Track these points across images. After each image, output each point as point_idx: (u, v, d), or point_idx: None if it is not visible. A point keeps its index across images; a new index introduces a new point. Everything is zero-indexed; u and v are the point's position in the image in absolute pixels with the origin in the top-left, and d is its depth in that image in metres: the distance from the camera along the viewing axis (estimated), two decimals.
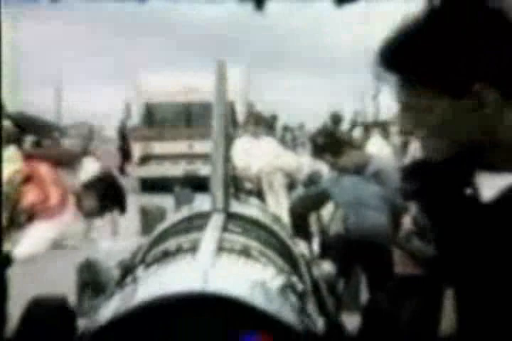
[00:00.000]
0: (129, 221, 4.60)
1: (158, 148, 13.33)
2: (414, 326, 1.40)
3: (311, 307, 1.55)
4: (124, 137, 15.92)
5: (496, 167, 1.05)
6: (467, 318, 1.08)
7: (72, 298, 1.93)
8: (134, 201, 4.87)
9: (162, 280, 1.32)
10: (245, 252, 1.65)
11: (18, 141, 7.96)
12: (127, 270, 1.86)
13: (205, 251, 1.53)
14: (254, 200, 3.30)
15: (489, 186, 1.05)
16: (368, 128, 10.91)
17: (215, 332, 1.17)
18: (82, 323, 1.65)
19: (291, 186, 6.30)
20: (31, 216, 2.86)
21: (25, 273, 3.29)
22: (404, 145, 9.01)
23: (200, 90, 12.12)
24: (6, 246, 2.65)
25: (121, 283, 1.68)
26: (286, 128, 14.70)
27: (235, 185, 3.85)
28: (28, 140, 9.76)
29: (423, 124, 1.06)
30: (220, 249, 1.60)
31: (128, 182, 12.38)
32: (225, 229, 1.86)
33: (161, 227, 2.14)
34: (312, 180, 6.03)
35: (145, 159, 13.51)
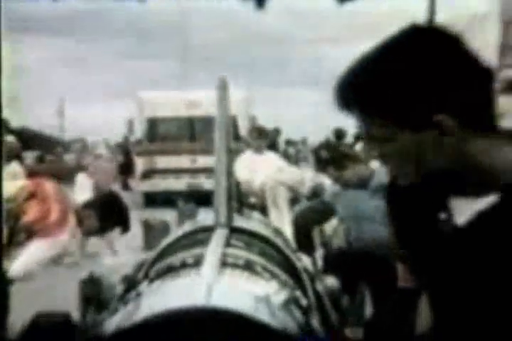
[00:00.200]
0: (132, 235, 4.60)
1: (161, 162, 13.35)
2: (394, 330, 1.41)
3: (315, 321, 1.54)
4: (127, 152, 15.97)
5: (468, 192, 1.06)
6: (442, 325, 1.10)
7: (74, 314, 1.93)
8: (138, 215, 4.86)
9: (166, 296, 1.32)
10: (249, 267, 1.65)
11: (19, 157, 7.99)
12: (130, 285, 1.86)
13: (208, 267, 1.52)
14: (257, 214, 3.29)
15: (463, 210, 1.06)
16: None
17: None
18: (85, 339, 1.64)
19: (294, 200, 6.29)
20: (31, 234, 2.84)
21: (26, 291, 3.27)
22: None
23: (203, 105, 12.18)
24: (6, 264, 2.63)
25: (124, 298, 1.67)
26: (289, 142, 14.72)
27: (238, 199, 3.85)
28: (29, 156, 9.78)
29: (387, 154, 1.06)
30: (224, 264, 1.60)
31: (131, 197, 12.40)
32: (228, 243, 1.86)
33: (164, 242, 2.14)
34: (315, 194, 6.02)
35: (148, 173, 13.52)
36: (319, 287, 2.10)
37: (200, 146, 12.36)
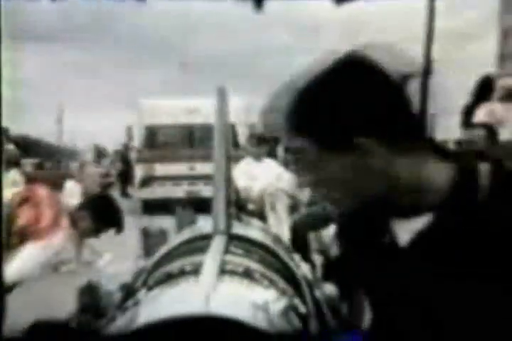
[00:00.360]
0: (130, 243, 4.59)
1: (160, 169, 13.34)
2: None
3: (314, 329, 1.53)
4: (126, 159, 15.98)
5: (404, 213, 1.06)
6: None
7: (72, 322, 1.92)
8: (136, 223, 4.86)
9: (164, 303, 1.32)
10: (248, 274, 1.64)
11: (18, 164, 8.00)
12: (129, 293, 1.85)
13: (207, 274, 1.52)
14: (256, 221, 3.29)
15: (406, 231, 1.06)
16: None
17: None
18: None
19: (294, 208, 6.29)
20: (23, 238, 2.85)
21: (23, 300, 3.25)
22: None
23: (202, 112, 12.18)
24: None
25: (122, 305, 1.66)
26: (288, 150, 14.72)
27: (237, 206, 3.84)
28: (29, 162, 9.85)
29: (318, 179, 1.07)
30: (222, 271, 1.60)
31: (130, 205, 12.38)
32: (227, 251, 1.85)
33: (163, 250, 2.13)
34: (315, 201, 6.02)
35: (147, 181, 13.51)
36: (318, 294, 2.09)
37: (199, 153, 12.36)
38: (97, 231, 3.40)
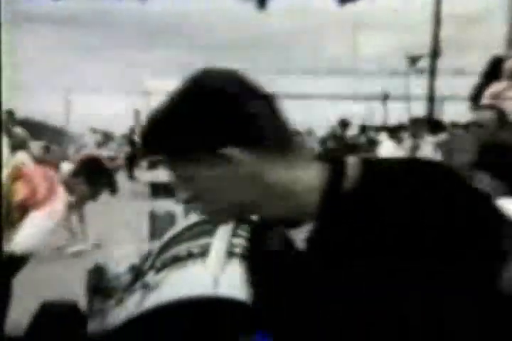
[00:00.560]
0: (138, 226, 4.61)
1: None
2: None
3: None
4: (133, 143, 15.99)
5: (288, 219, 1.05)
6: None
7: (81, 304, 1.93)
8: (144, 206, 4.88)
9: (173, 286, 1.32)
10: None
11: (26, 147, 8.00)
12: (137, 275, 1.86)
13: (215, 257, 1.52)
14: None
15: (299, 240, 1.06)
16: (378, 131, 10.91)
17: (226, 336, 1.16)
18: (91, 327, 1.65)
19: None
20: (23, 212, 2.87)
21: (30, 282, 3.28)
22: (415, 149, 8.99)
23: None
24: (6, 246, 2.64)
25: (130, 288, 1.67)
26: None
27: None
28: (35, 145, 9.83)
29: (193, 192, 1.06)
30: (230, 254, 1.60)
31: (137, 188, 12.42)
32: (234, 234, 1.86)
33: (171, 232, 2.14)
34: None
35: (154, 164, 13.53)
36: None
37: None
38: (93, 194, 3.50)
